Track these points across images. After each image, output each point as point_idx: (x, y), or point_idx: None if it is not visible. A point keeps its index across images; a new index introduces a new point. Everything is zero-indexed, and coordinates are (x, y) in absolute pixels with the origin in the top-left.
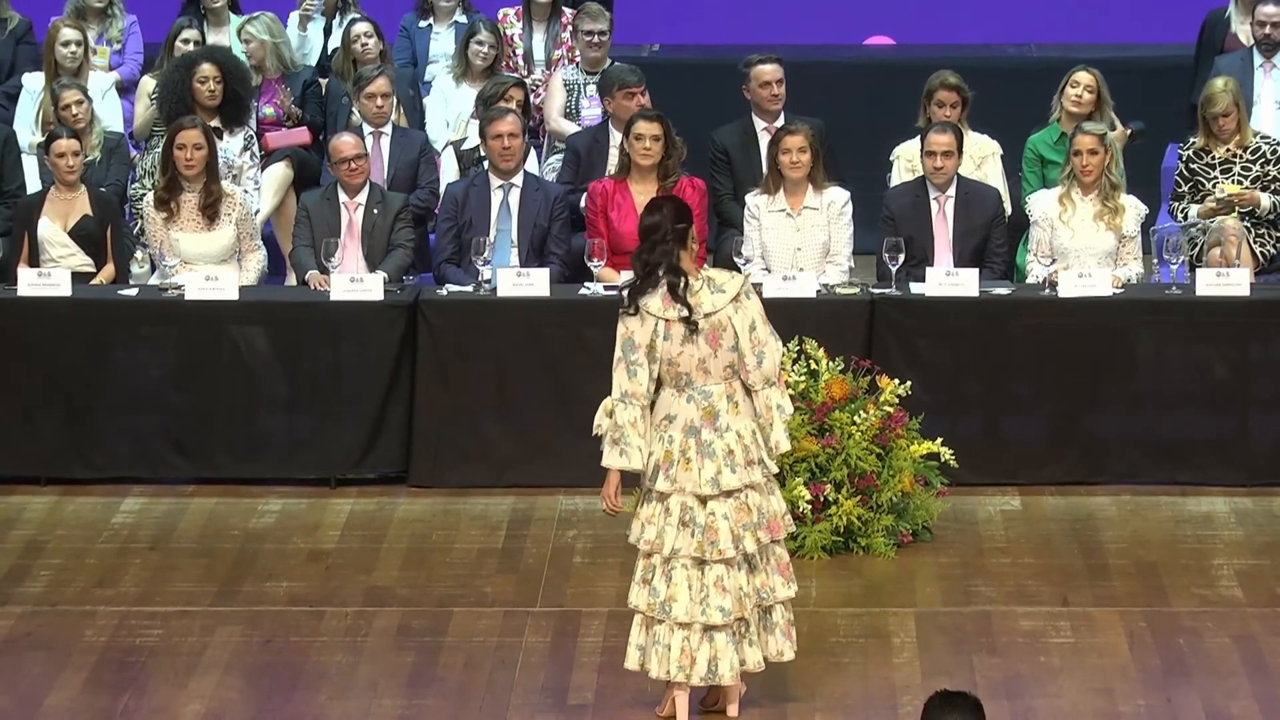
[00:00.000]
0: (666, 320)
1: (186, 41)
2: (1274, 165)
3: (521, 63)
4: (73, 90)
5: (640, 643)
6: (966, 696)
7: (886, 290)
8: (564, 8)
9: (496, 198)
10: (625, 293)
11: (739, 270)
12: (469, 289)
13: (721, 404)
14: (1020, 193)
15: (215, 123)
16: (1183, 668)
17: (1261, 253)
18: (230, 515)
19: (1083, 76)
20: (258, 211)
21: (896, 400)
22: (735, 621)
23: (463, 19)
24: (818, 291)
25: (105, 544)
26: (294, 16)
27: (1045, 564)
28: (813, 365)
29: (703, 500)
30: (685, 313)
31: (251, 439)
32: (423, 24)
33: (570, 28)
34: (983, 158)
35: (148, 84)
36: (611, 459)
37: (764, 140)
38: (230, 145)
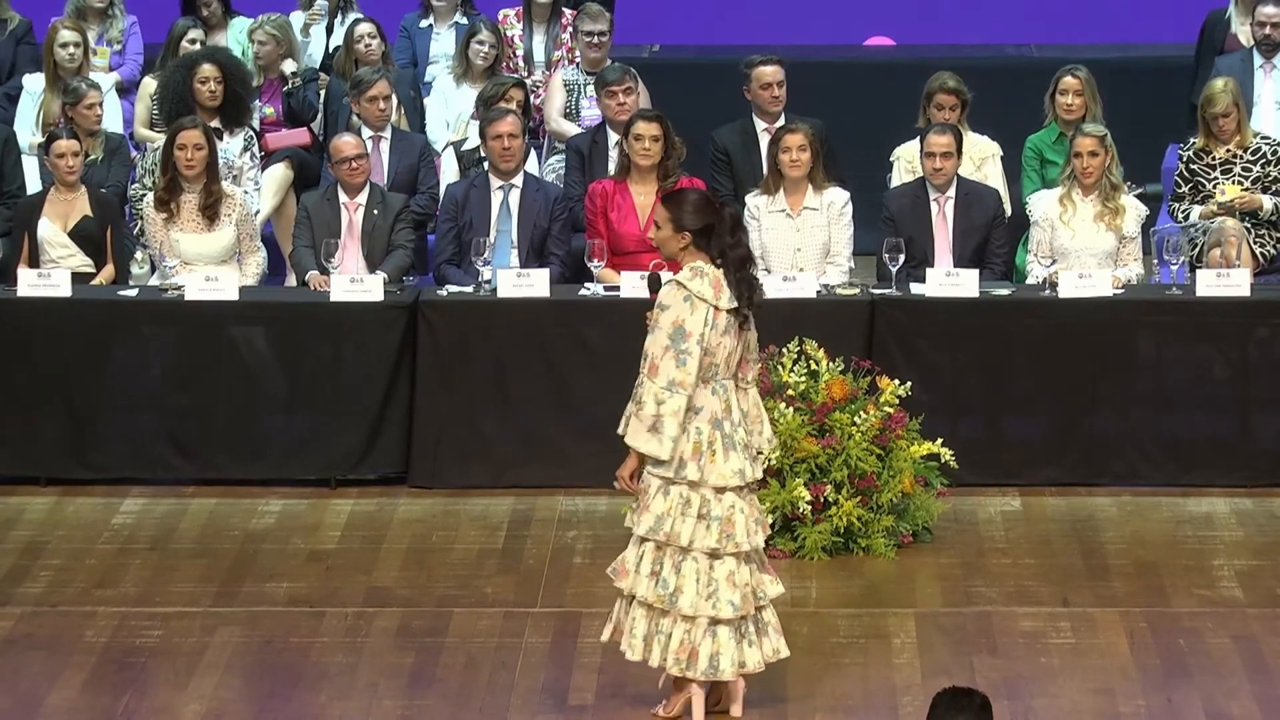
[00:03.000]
0: (716, 308)
1: (193, 42)
2: (1274, 166)
3: (522, 63)
4: (96, 90)
5: (644, 632)
6: (973, 696)
7: (886, 291)
8: (564, 8)
9: (496, 198)
10: (687, 281)
11: None
12: (469, 290)
13: (733, 398)
14: (1020, 193)
15: (215, 123)
16: (1183, 668)
17: (1261, 253)
18: (230, 515)
19: (1070, 82)
20: (258, 212)
21: (897, 401)
22: (739, 619)
23: (463, 19)
24: (818, 292)
25: (105, 544)
26: (297, 17)
27: (1045, 564)
28: (813, 366)
29: (719, 492)
30: (735, 304)
31: (251, 439)
32: (423, 24)
33: (570, 28)
34: (983, 159)
35: (149, 85)
36: (644, 443)
37: (764, 141)
38: (230, 146)
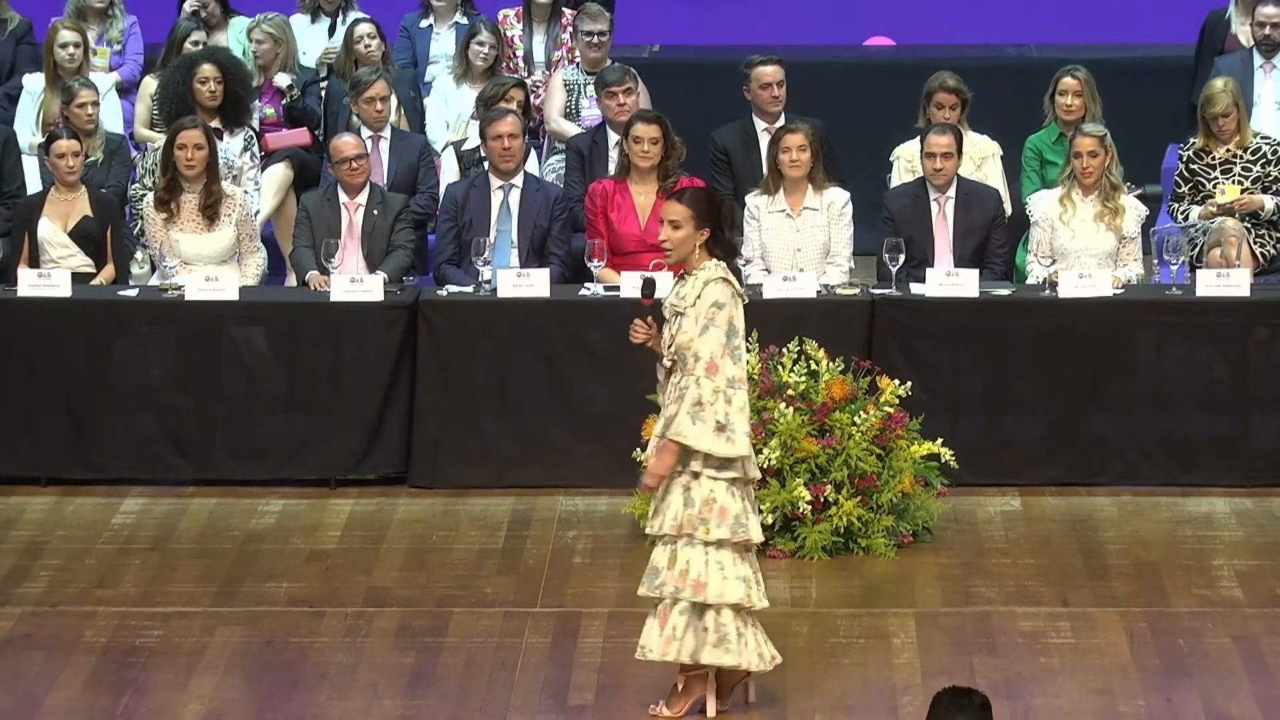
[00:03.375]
0: (744, 301)
1: (196, 44)
2: (1274, 166)
3: (522, 63)
4: (89, 90)
5: (736, 635)
6: (973, 696)
7: (887, 291)
8: (564, 8)
9: (496, 198)
10: (729, 277)
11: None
12: (469, 289)
13: None
14: (1020, 193)
15: (215, 123)
16: (1183, 668)
17: (1261, 253)
18: (230, 516)
19: (1069, 83)
20: (257, 212)
21: (897, 401)
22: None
23: (463, 20)
24: (818, 292)
25: (105, 544)
26: (297, 19)
27: (1045, 564)
28: (813, 366)
29: (748, 485)
30: (746, 298)
31: (251, 439)
32: (423, 24)
33: (570, 28)
34: (982, 158)
35: (149, 85)
36: (711, 443)
37: (764, 141)
38: (230, 146)
